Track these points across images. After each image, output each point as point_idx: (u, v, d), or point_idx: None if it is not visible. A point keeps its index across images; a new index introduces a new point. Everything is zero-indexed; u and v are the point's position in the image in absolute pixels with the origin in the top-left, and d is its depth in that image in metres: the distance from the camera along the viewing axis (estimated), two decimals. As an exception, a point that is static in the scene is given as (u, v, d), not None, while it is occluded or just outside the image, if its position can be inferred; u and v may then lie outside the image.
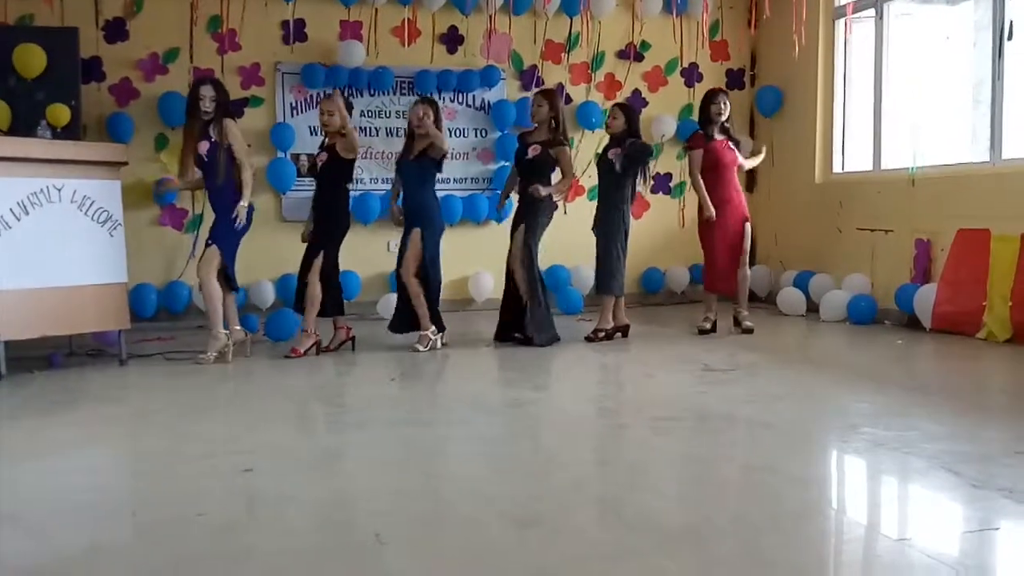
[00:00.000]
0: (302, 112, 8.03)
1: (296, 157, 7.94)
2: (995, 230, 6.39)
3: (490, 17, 8.17)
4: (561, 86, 8.55)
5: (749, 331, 6.76)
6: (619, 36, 8.75)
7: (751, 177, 9.17)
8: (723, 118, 6.82)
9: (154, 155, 7.67)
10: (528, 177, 6.43)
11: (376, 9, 8.07)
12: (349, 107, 6.29)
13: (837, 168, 8.30)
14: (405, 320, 6.35)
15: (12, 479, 3.48)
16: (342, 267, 6.39)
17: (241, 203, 5.80)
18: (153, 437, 4.11)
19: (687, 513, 3.03)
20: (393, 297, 7.71)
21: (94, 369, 5.68)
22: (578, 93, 8.67)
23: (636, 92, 8.78)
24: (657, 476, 3.49)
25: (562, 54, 8.62)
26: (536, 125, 6.52)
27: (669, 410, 4.50)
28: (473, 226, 8.21)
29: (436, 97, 7.81)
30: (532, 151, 6.42)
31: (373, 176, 8.14)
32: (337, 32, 8.06)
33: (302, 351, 6.00)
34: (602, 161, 6.67)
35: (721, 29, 9.02)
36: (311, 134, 7.94)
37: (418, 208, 6.28)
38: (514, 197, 6.75)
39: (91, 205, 5.60)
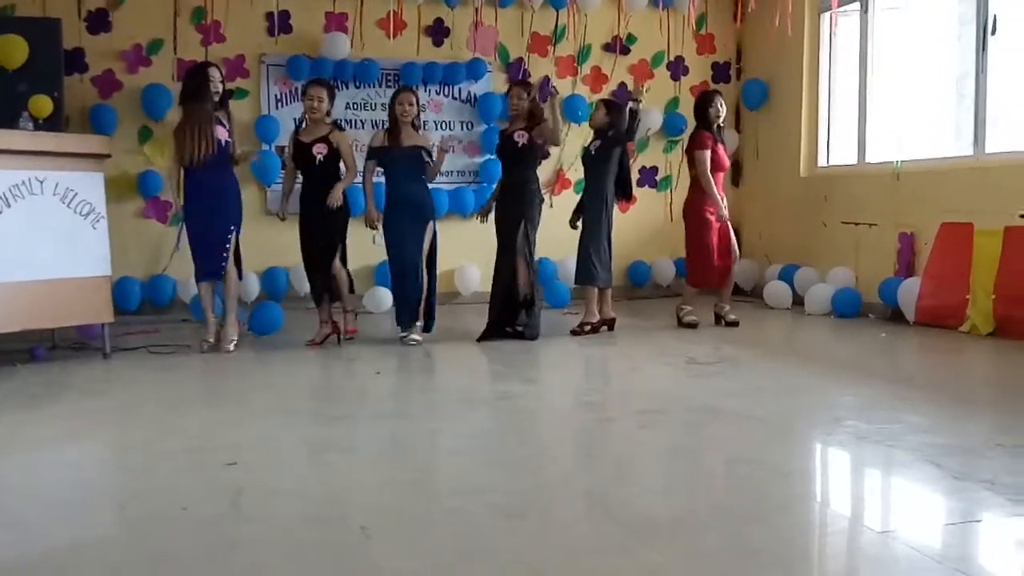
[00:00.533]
0: (287, 104, 7.99)
1: (281, 149, 7.86)
2: (978, 224, 6.43)
3: (476, 9, 8.17)
4: (547, 78, 8.55)
5: (735, 324, 6.79)
6: (605, 29, 8.75)
7: (736, 171, 9.20)
8: (721, 120, 6.86)
9: (138, 147, 7.62)
10: (516, 167, 6.38)
11: (361, 1, 8.04)
12: (332, 97, 6.22)
13: (822, 162, 8.32)
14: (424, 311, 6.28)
15: (-5, 473, 3.46)
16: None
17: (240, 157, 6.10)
18: (137, 430, 4.09)
19: (673, 506, 3.04)
20: (381, 290, 7.75)
21: (77, 362, 5.64)
22: (564, 86, 8.65)
23: (622, 85, 8.78)
24: (643, 469, 3.50)
25: (548, 47, 8.61)
26: (513, 117, 6.47)
27: (655, 403, 4.52)
28: (460, 219, 8.19)
29: (421, 90, 7.82)
30: (519, 136, 6.31)
31: (359, 169, 8.08)
32: (322, 24, 8.03)
33: (353, 328, 6.33)
34: (586, 155, 6.69)
35: (707, 22, 9.02)
36: (296, 126, 7.90)
37: (424, 200, 6.21)
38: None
39: (74, 197, 5.56)
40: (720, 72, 9.12)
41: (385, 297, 7.73)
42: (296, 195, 6.28)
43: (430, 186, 6.36)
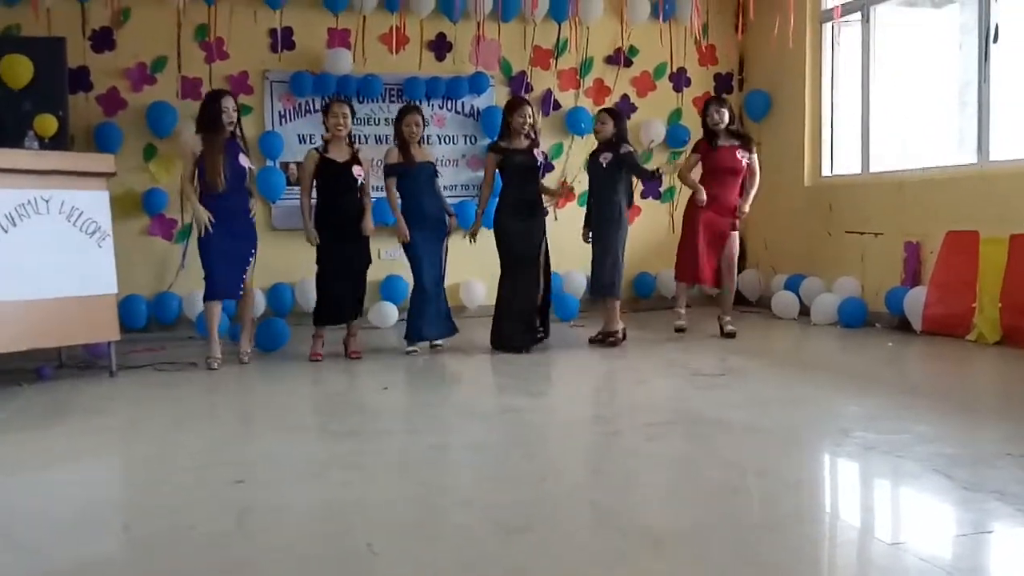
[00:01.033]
0: (291, 120, 8.02)
1: (285, 166, 7.93)
2: (984, 232, 6.42)
3: (478, 24, 8.19)
4: (550, 92, 8.57)
5: (731, 335, 6.78)
6: (607, 41, 8.77)
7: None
8: (721, 126, 6.85)
9: (143, 165, 7.65)
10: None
11: (364, 16, 8.07)
12: (354, 115, 6.40)
13: (826, 171, 8.32)
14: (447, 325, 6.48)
15: (1, 493, 3.45)
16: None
17: (252, 209, 6.12)
18: (144, 448, 4.09)
19: (679, 518, 3.02)
20: (386, 305, 7.76)
21: (84, 381, 5.65)
22: (567, 99, 8.68)
23: (625, 97, 8.79)
24: (649, 482, 3.49)
25: (551, 60, 8.63)
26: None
27: (661, 415, 4.51)
28: (463, 233, 8.18)
29: (425, 104, 7.85)
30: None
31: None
32: (325, 40, 8.05)
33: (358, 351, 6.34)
34: (595, 167, 6.65)
35: (709, 34, 9.04)
36: (300, 142, 7.94)
37: (441, 215, 6.40)
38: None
39: (79, 216, 5.57)
40: (722, 83, 9.13)
41: (391, 312, 7.74)
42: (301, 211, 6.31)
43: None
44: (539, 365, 6.07)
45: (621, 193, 6.59)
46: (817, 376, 5.47)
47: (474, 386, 5.64)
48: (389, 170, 6.34)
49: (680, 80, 8.96)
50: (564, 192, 6.62)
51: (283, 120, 8.01)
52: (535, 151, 6.49)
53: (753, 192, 6.91)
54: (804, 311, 7.77)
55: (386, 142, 8.12)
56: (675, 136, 8.82)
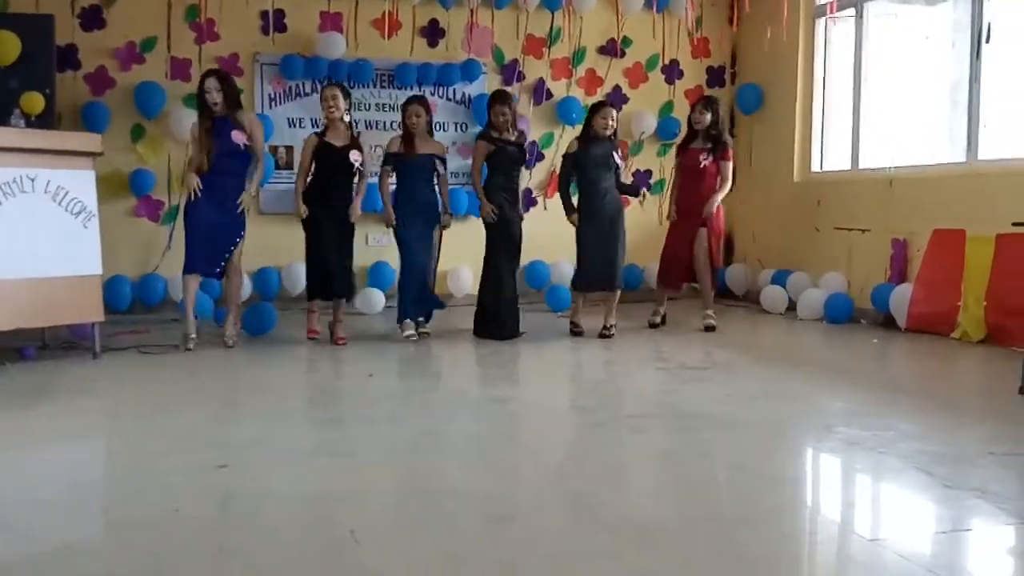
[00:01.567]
0: (281, 103, 7.97)
1: (275, 149, 7.89)
2: (970, 231, 6.45)
3: (472, 11, 8.16)
4: (542, 81, 8.55)
5: (710, 328, 6.81)
6: (601, 31, 8.75)
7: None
8: (700, 126, 6.92)
9: (130, 145, 7.59)
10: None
11: (356, 0, 8.02)
12: (349, 96, 6.40)
13: (816, 167, 8.33)
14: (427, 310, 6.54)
15: (-18, 474, 3.44)
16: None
17: (249, 191, 6.08)
18: (127, 431, 4.08)
19: (662, 511, 3.03)
20: (373, 291, 7.74)
21: (67, 362, 5.61)
22: (559, 88, 8.66)
23: (616, 88, 8.78)
24: (633, 474, 3.50)
25: (543, 49, 8.61)
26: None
27: (645, 408, 4.52)
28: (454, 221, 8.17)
29: (416, 91, 7.81)
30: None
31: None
32: (317, 23, 8.01)
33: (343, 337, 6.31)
34: (588, 158, 6.56)
35: (702, 26, 9.02)
36: (289, 126, 7.91)
37: (434, 204, 6.44)
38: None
39: (65, 195, 5.53)
40: (715, 76, 9.12)
41: (378, 298, 7.72)
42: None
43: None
44: (525, 355, 6.07)
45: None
46: (802, 371, 5.49)
47: (460, 375, 5.63)
48: (386, 159, 6.44)
49: (672, 72, 8.95)
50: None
51: (273, 103, 7.96)
52: (523, 144, 6.63)
53: (718, 196, 6.90)
54: (791, 306, 7.79)
55: (377, 127, 8.12)
56: (666, 128, 8.82)
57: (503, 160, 6.49)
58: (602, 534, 2.78)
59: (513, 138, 6.55)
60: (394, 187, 6.44)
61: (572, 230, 6.70)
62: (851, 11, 7.81)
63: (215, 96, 5.92)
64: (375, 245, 7.87)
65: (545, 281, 8.34)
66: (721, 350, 6.11)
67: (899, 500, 3.26)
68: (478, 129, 8.37)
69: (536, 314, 7.69)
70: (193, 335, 5.97)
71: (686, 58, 9.00)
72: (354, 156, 6.19)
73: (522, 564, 2.56)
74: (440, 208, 6.48)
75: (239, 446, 3.74)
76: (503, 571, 2.51)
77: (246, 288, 7.58)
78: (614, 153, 6.67)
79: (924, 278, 6.75)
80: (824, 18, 8.08)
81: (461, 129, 8.46)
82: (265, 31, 7.90)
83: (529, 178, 8.57)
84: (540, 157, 8.62)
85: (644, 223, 8.85)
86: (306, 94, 7.88)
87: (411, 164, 6.33)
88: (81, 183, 5.61)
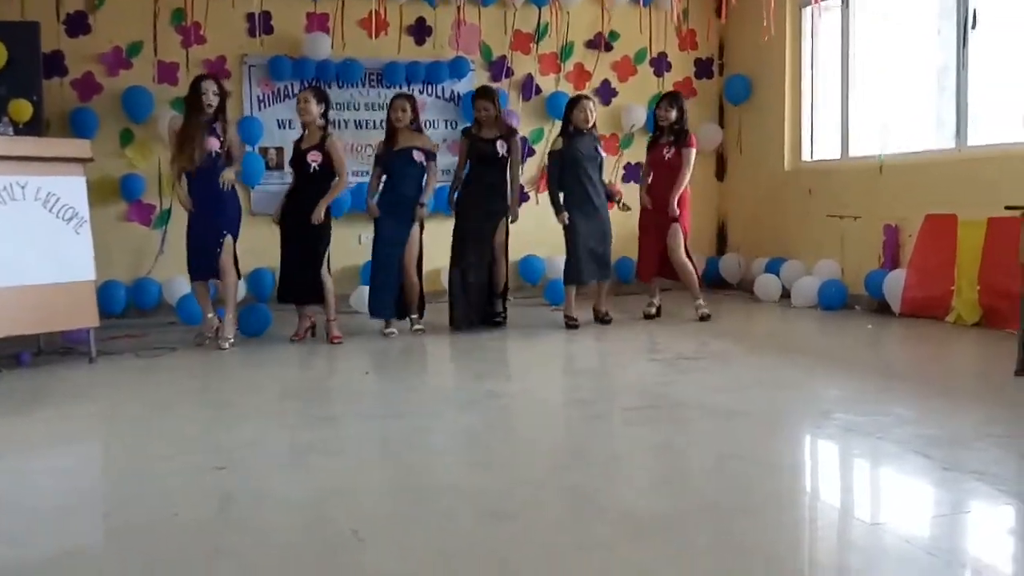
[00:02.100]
0: (270, 105, 7.95)
1: (264, 151, 7.88)
2: (962, 215, 6.47)
3: (458, 8, 8.14)
4: (530, 76, 8.55)
5: (705, 318, 6.83)
6: (587, 26, 8.74)
7: (720, 166, 9.23)
8: (666, 123, 7.01)
9: (119, 150, 7.57)
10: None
11: (343, 1, 8.01)
12: (325, 98, 6.35)
13: (806, 156, 8.35)
14: (399, 307, 6.52)
15: (-20, 482, 3.42)
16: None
17: (228, 174, 6.06)
18: (124, 436, 4.07)
19: (661, 502, 3.03)
20: (366, 290, 7.71)
21: (63, 368, 5.60)
22: (547, 83, 8.65)
23: (605, 82, 8.78)
24: (631, 466, 3.50)
25: (531, 44, 8.60)
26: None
27: (642, 399, 4.53)
28: (444, 218, 8.14)
29: (404, 89, 7.80)
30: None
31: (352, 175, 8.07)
32: (303, 24, 7.99)
33: (339, 335, 6.27)
34: (575, 153, 6.66)
35: (689, 18, 9.02)
36: (279, 127, 7.90)
37: (413, 200, 6.41)
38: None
39: (56, 202, 5.51)
40: (703, 68, 9.13)
41: (371, 297, 7.70)
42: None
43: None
44: (521, 348, 6.08)
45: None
46: (798, 359, 5.50)
47: (455, 370, 5.63)
48: (375, 162, 6.56)
49: (660, 65, 8.95)
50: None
51: (261, 105, 7.95)
52: (498, 142, 6.57)
53: (678, 186, 6.93)
54: (785, 294, 7.81)
55: (366, 127, 8.10)
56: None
57: (477, 156, 6.64)
58: (599, 526, 2.79)
59: (493, 135, 6.59)
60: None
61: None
62: (837, 0, 7.81)
63: (211, 99, 5.98)
64: (367, 244, 7.84)
65: (540, 275, 8.34)
66: (716, 339, 6.12)
67: (898, 484, 3.27)
68: (467, 126, 8.38)
69: (532, 308, 7.70)
70: (209, 334, 6.16)
71: (674, 51, 9.01)
72: (311, 157, 6.18)
73: (518, 558, 2.56)
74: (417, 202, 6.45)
75: (237, 447, 3.73)
76: (500, 566, 2.51)
77: (240, 289, 7.58)
78: (597, 146, 6.78)
79: (917, 263, 6.77)
80: (810, 7, 8.08)
81: (451, 126, 8.44)
82: (252, 33, 7.88)
83: (521, 174, 8.56)
84: (531, 152, 8.62)
85: (636, 215, 8.83)
86: (294, 95, 7.83)
87: (393, 159, 6.38)
88: (72, 189, 5.60)
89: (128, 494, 3.23)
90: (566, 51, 8.69)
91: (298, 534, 2.76)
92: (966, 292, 6.36)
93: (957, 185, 6.53)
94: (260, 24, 7.86)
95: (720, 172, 9.23)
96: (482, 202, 6.60)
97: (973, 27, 6.50)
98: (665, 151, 6.99)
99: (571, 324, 6.65)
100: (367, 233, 7.60)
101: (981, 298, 6.25)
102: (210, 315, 6.21)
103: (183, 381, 5.27)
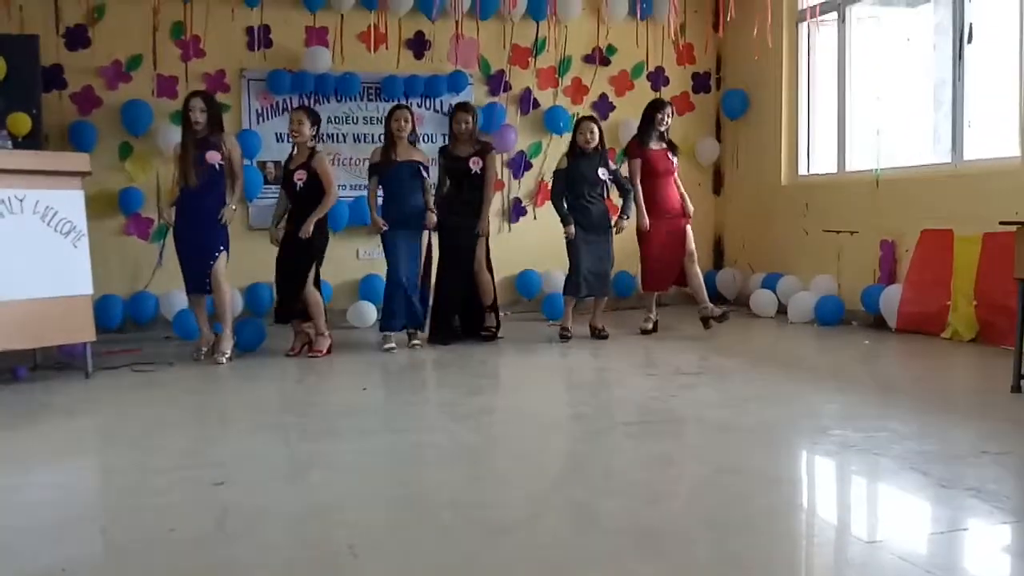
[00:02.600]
0: (268, 119, 7.97)
1: (263, 164, 7.89)
2: (958, 231, 6.49)
3: (457, 22, 8.17)
4: (528, 90, 8.57)
5: (724, 318, 6.87)
6: (585, 40, 8.77)
7: (717, 180, 9.26)
8: (663, 128, 7.07)
9: (118, 164, 7.58)
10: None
11: (342, 15, 8.04)
12: (317, 120, 6.38)
13: (803, 170, 8.37)
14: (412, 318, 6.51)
15: (-23, 497, 3.41)
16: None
17: (231, 206, 6.13)
18: (121, 450, 4.06)
19: (660, 517, 3.03)
20: (364, 305, 7.73)
21: (60, 382, 5.59)
22: (545, 98, 8.68)
23: (603, 96, 8.81)
24: (630, 480, 3.50)
25: (529, 59, 8.63)
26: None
27: (641, 414, 4.53)
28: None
29: (404, 102, 7.82)
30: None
31: (342, 183, 8.06)
32: (303, 38, 8.02)
33: (324, 351, 6.27)
34: (582, 173, 6.77)
35: (686, 33, 9.06)
36: (277, 141, 7.91)
37: (419, 213, 6.45)
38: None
39: (54, 216, 5.51)
40: (700, 82, 9.17)
41: (369, 312, 7.71)
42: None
43: None
44: (518, 363, 6.08)
45: None
46: (795, 374, 5.50)
47: (453, 385, 5.62)
48: (371, 171, 6.55)
49: (658, 79, 8.98)
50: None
51: (260, 119, 7.96)
52: (472, 159, 6.65)
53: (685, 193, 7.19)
54: (781, 309, 7.82)
55: (364, 141, 8.12)
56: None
57: (451, 174, 6.81)
58: (599, 541, 2.78)
59: (468, 152, 6.69)
60: (383, 198, 6.51)
61: (562, 239, 6.76)
62: (833, 15, 7.86)
63: (198, 116, 6.02)
64: (365, 259, 7.87)
65: (537, 290, 8.35)
66: (714, 355, 6.12)
67: (895, 501, 3.27)
68: (444, 145, 8.39)
69: (529, 322, 7.71)
70: (204, 348, 6.18)
71: (671, 65, 9.04)
72: (296, 176, 6.22)
73: (517, 573, 2.55)
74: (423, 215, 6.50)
75: (234, 462, 3.72)
76: (503, 582, 2.51)
77: (237, 303, 7.58)
78: (600, 168, 6.82)
79: (913, 278, 6.78)
80: (807, 22, 8.13)
81: (448, 141, 8.44)
82: (251, 47, 7.90)
83: (518, 188, 8.60)
84: (528, 167, 8.64)
85: (633, 231, 8.85)
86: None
87: (395, 172, 6.40)
88: (70, 203, 5.59)
89: (125, 509, 3.22)
90: (564, 65, 8.72)
91: (295, 549, 2.76)
92: (962, 308, 6.37)
93: (953, 200, 6.55)
94: (259, 38, 7.89)
95: (717, 187, 9.26)
96: (458, 219, 6.65)
97: (969, 41, 6.53)
98: (669, 155, 7.10)
99: (564, 336, 6.67)
100: (366, 248, 7.63)
101: (977, 314, 6.26)
102: (206, 329, 6.22)
103: (179, 396, 5.26)
